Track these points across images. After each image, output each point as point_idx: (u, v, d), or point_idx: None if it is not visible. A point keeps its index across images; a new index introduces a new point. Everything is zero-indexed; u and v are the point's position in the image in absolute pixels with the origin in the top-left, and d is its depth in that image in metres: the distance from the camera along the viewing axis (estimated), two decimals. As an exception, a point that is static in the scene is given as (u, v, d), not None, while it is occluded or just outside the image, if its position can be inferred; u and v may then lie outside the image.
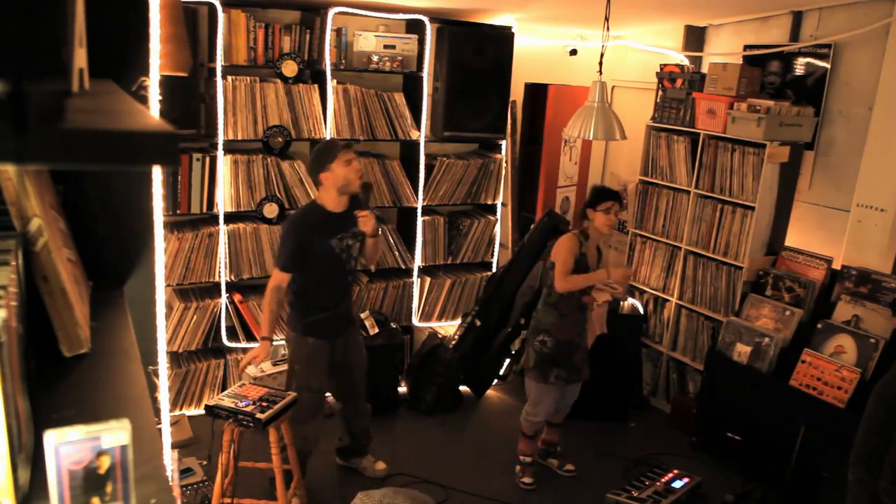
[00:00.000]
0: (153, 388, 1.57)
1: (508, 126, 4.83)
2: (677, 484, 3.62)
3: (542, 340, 3.64)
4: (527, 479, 3.79)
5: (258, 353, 3.23)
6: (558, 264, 3.56)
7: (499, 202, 4.91)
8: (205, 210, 4.06)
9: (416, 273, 4.71)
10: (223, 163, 4.01)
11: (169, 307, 4.05)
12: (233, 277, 4.16)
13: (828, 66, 4.03)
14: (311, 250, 3.22)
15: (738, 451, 3.95)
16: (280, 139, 4.12)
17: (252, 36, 4.01)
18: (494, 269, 4.96)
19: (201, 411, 3.92)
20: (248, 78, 4.05)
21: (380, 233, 3.38)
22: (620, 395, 4.52)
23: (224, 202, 4.07)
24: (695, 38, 4.80)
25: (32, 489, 0.86)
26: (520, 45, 4.70)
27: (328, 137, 4.23)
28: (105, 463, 0.78)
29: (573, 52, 5.21)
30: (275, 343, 4.34)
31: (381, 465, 3.77)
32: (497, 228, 4.94)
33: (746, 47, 4.45)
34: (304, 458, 3.44)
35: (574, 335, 3.66)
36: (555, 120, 5.07)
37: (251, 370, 4.07)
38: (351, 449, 3.78)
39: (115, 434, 0.78)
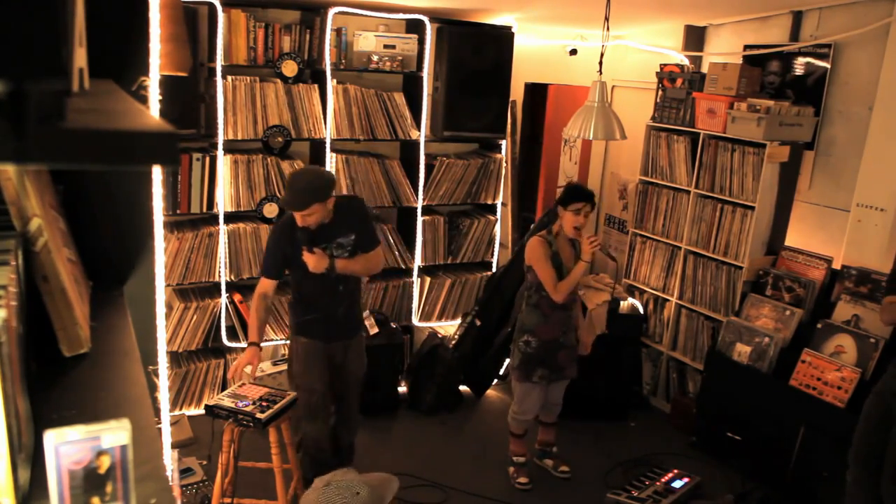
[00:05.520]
0: (153, 388, 1.57)
1: (508, 126, 4.83)
2: (677, 484, 3.62)
3: (526, 340, 3.62)
4: (522, 480, 3.78)
5: (246, 360, 3.19)
6: (542, 276, 3.50)
7: (499, 202, 4.91)
8: (205, 210, 4.06)
9: (416, 273, 4.71)
10: (223, 163, 4.01)
11: (169, 307, 4.05)
12: (233, 277, 4.16)
13: (828, 65, 4.02)
14: (292, 258, 3.21)
15: (738, 451, 3.94)
16: (280, 139, 4.12)
17: (252, 36, 4.01)
18: (494, 269, 4.96)
19: (201, 411, 3.92)
20: (248, 78, 4.05)
21: (335, 270, 3.21)
22: (620, 395, 4.52)
23: (224, 202, 4.07)
24: (695, 38, 4.80)
25: (32, 489, 0.86)
26: (520, 45, 4.70)
27: (328, 137, 4.23)
28: (105, 463, 0.78)
29: (573, 52, 5.21)
30: (274, 343, 4.35)
31: None
32: (497, 228, 4.94)
33: (746, 47, 4.45)
34: (316, 463, 3.33)
35: (559, 334, 3.62)
36: (555, 120, 5.07)
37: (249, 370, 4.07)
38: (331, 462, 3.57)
39: (115, 434, 0.78)
